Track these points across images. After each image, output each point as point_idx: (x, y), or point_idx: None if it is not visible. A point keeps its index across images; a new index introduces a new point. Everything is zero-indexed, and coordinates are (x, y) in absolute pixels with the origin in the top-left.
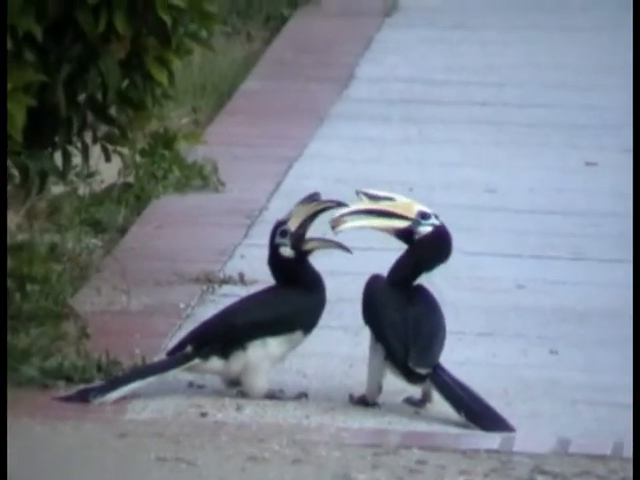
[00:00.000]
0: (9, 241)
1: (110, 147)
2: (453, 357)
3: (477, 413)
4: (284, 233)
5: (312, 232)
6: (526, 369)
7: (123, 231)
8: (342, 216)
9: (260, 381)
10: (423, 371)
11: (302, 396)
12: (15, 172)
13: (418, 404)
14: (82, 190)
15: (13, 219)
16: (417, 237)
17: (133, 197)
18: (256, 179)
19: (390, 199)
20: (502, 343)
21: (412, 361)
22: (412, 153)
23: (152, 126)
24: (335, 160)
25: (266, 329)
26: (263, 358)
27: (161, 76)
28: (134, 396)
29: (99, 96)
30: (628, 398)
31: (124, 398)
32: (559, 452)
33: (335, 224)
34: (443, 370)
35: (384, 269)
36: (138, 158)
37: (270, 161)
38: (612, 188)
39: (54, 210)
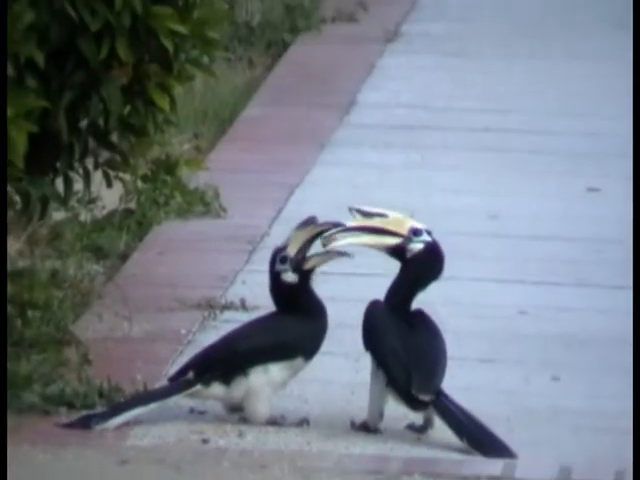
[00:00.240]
0: (10, 267)
1: (112, 173)
2: (455, 383)
3: (479, 439)
4: (284, 259)
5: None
6: (528, 395)
7: (125, 257)
8: (334, 234)
9: (262, 407)
10: (426, 398)
11: (304, 422)
12: (16, 198)
13: (420, 430)
14: (83, 216)
15: (14, 245)
16: (409, 255)
17: (135, 223)
18: (258, 205)
19: (383, 215)
20: (504, 369)
21: (415, 388)
22: (414, 179)
23: (154, 152)
24: (337, 186)
25: (268, 355)
26: (265, 384)
27: (163, 102)
28: (136, 422)
29: (101, 122)
30: (631, 425)
31: (126, 424)
32: (561, 479)
33: (326, 242)
34: (445, 396)
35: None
36: (140, 184)
37: (271, 187)
38: (615, 215)
39: (55, 236)
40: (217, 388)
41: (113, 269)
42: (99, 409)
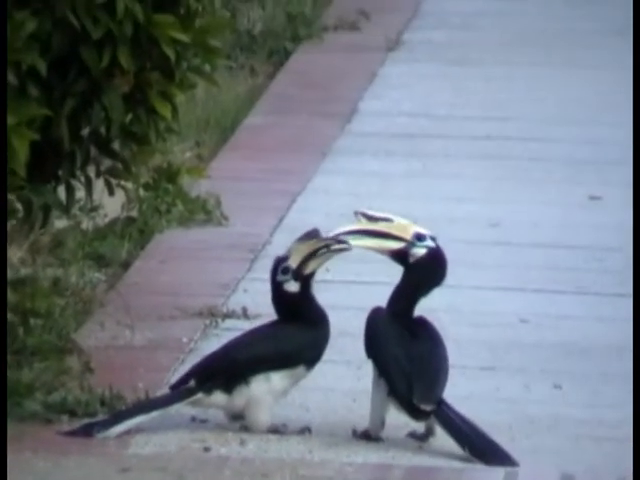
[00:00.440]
0: (12, 275)
1: (114, 181)
2: (456, 392)
3: (480, 448)
4: (286, 270)
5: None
6: (529, 404)
7: (126, 265)
8: (337, 236)
9: (263, 415)
10: (428, 408)
11: (305, 431)
12: (18, 206)
13: (421, 438)
14: (85, 224)
15: (16, 253)
16: (411, 259)
17: (136, 231)
18: (259, 213)
19: (388, 220)
20: (505, 378)
21: (417, 398)
22: (415, 187)
23: (156, 160)
24: (338, 195)
25: (269, 364)
26: (266, 392)
27: (165, 110)
28: (137, 430)
29: (103, 130)
30: (631, 433)
31: (127, 432)
32: None
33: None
34: (446, 405)
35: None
36: (142, 192)
37: (273, 195)
38: (615, 222)
39: (57, 244)
40: (219, 396)
41: (115, 277)
42: (101, 417)
